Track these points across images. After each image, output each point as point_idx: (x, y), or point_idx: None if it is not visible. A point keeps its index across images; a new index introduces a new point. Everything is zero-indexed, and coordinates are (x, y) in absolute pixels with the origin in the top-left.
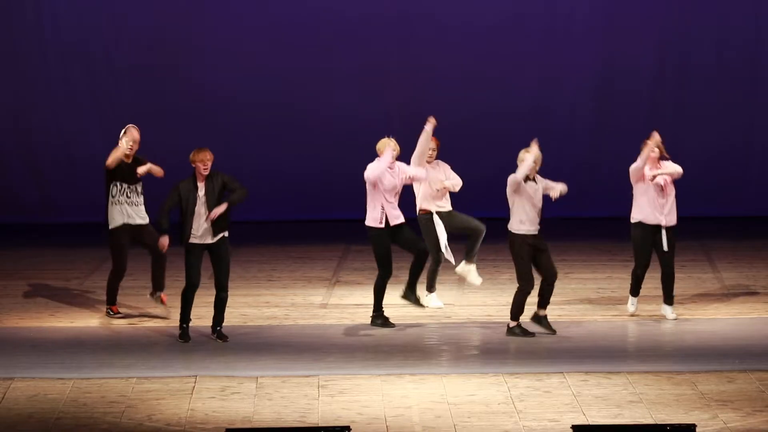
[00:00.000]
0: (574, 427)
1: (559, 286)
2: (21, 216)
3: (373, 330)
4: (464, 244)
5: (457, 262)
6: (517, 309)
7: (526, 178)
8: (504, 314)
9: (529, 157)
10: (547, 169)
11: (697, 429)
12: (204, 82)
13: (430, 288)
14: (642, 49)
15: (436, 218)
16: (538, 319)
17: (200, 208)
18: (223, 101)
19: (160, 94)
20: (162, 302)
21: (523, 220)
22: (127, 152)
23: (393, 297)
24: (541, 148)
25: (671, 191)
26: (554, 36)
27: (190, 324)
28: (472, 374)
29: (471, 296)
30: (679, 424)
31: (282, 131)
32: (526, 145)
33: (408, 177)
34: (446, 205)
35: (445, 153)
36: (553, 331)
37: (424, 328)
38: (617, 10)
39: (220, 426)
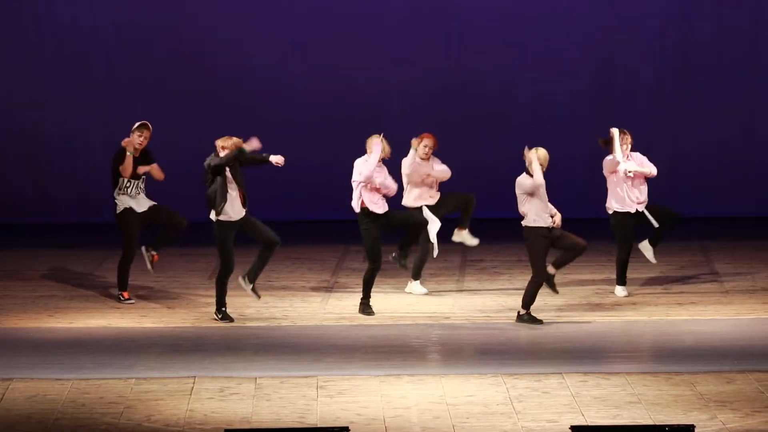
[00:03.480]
0: (572, 427)
1: (557, 287)
2: (20, 216)
3: (372, 330)
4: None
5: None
6: (529, 298)
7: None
8: (502, 315)
9: (538, 160)
10: (546, 170)
11: (696, 430)
12: (203, 81)
13: (416, 276)
14: (641, 51)
15: (426, 210)
16: (547, 277)
17: (231, 187)
18: (222, 101)
19: (160, 93)
20: (153, 260)
21: (536, 218)
22: (137, 146)
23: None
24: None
25: (642, 182)
26: (553, 35)
27: (190, 325)
28: (470, 375)
29: (469, 297)
30: (678, 425)
31: (280, 131)
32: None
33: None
34: (434, 199)
35: (445, 153)
36: (557, 292)
37: (423, 329)
38: (617, 6)
39: (219, 426)
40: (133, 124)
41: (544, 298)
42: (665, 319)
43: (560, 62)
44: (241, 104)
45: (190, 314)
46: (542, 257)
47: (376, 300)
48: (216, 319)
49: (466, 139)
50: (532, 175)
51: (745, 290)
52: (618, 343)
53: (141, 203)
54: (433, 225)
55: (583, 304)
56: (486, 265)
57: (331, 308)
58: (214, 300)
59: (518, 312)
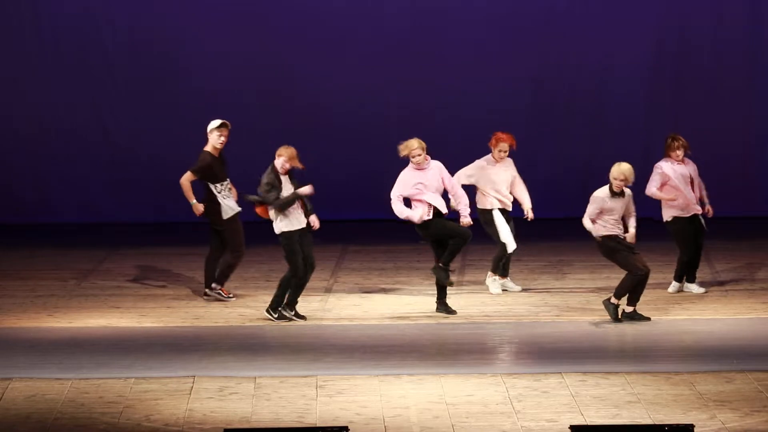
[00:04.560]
0: (572, 427)
1: (557, 287)
2: (19, 216)
3: (371, 330)
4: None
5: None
6: (623, 289)
7: (613, 193)
8: (500, 315)
9: (623, 174)
10: (545, 169)
11: (695, 429)
12: (201, 81)
13: (496, 271)
14: (640, 51)
15: (496, 213)
16: (627, 314)
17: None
18: (220, 101)
19: (159, 94)
20: (223, 294)
21: (607, 227)
22: (219, 146)
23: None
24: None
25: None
26: (552, 36)
27: (190, 325)
28: (470, 374)
29: (469, 297)
30: (677, 425)
31: (278, 131)
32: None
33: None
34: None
35: (447, 153)
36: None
37: (423, 329)
38: (616, 6)
39: (218, 426)
40: (132, 124)
41: (543, 298)
42: (665, 319)
43: (559, 63)
44: (240, 104)
45: (190, 314)
46: (625, 255)
47: (376, 299)
48: (271, 318)
49: (466, 140)
50: (616, 193)
51: (744, 290)
52: (617, 342)
53: (234, 205)
54: (503, 228)
55: (582, 303)
56: (485, 265)
57: (331, 308)
58: (211, 300)
59: (609, 298)
